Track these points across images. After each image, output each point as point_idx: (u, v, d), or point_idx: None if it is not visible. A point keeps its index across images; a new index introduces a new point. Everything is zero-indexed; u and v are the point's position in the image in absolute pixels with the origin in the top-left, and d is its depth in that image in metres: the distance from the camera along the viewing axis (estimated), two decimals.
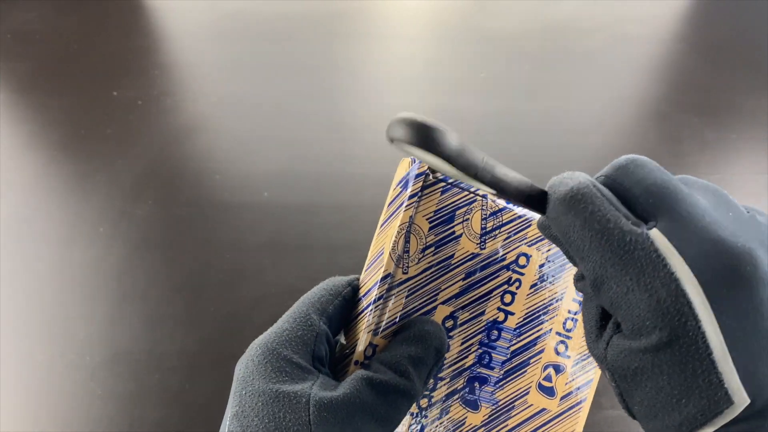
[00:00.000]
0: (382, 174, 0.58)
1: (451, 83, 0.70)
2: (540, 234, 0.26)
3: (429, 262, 0.25)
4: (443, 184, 0.25)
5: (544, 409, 0.27)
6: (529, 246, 0.26)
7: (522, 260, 0.27)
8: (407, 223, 0.24)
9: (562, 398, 0.27)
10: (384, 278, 0.24)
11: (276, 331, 0.22)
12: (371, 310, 0.24)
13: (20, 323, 0.47)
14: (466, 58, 0.74)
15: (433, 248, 0.25)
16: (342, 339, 0.26)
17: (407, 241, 0.25)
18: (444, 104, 0.67)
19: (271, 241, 0.52)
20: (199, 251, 0.51)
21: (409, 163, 0.25)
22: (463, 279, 0.26)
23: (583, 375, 0.28)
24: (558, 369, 0.27)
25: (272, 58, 0.73)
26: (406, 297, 0.25)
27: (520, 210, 0.26)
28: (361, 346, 0.24)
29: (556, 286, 0.27)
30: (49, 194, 0.56)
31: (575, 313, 0.27)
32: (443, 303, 0.25)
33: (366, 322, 0.24)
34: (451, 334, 0.26)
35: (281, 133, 0.63)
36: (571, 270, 0.27)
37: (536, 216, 0.25)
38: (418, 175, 0.24)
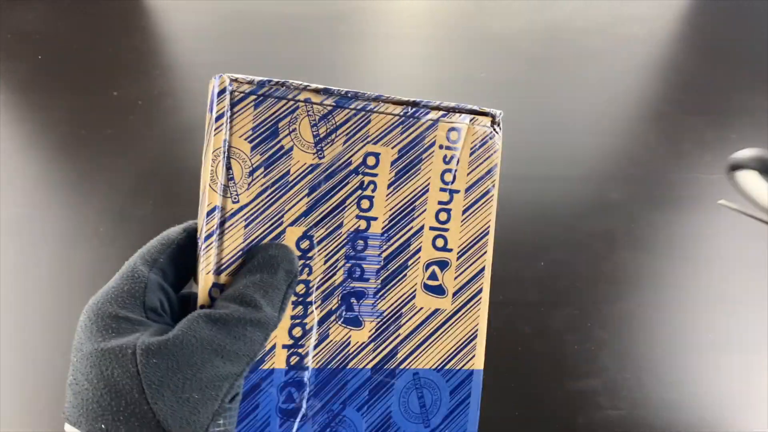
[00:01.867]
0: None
1: (451, 83, 0.70)
2: (384, 128, 0.24)
3: (262, 185, 0.23)
4: (254, 97, 0.23)
5: (437, 310, 0.25)
6: (374, 144, 0.24)
7: (370, 160, 0.24)
8: (221, 148, 0.23)
9: (454, 294, 0.25)
10: (210, 213, 0.22)
11: (103, 290, 0.21)
12: (203, 249, 0.22)
13: (20, 323, 0.47)
14: (466, 58, 0.74)
15: (262, 169, 0.23)
16: (194, 288, 0.24)
17: (228, 168, 0.23)
18: None
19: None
20: None
21: (212, 83, 0.23)
22: (308, 194, 0.24)
23: (472, 265, 0.26)
24: (442, 265, 0.25)
25: (272, 58, 0.73)
26: (245, 227, 0.23)
27: (353, 105, 0.24)
28: (202, 290, 0.22)
29: (417, 179, 0.25)
30: (49, 194, 0.57)
31: (447, 203, 0.25)
32: (292, 225, 0.23)
33: (202, 263, 0.22)
34: (309, 254, 0.24)
35: None
36: (432, 159, 0.25)
37: (375, 108, 0.24)
38: (220, 93, 0.22)
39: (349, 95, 0.24)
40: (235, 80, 0.22)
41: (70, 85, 0.68)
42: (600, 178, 0.58)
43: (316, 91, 0.23)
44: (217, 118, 0.22)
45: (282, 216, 0.23)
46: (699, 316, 0.47)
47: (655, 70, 0.73)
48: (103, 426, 0.18)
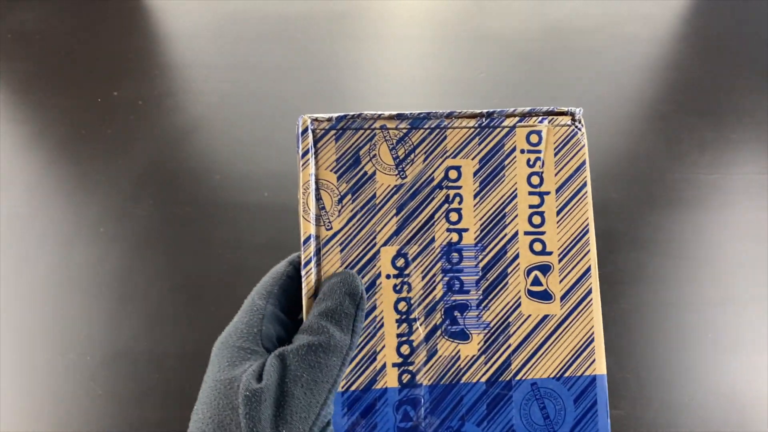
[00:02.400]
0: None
1: (451, 83, 0.70)
2: (461, 141, 0.25)
3: (351, 210, 0.24)
4: (333, 131, 0.24)
5: (546, 316, 0.25)
6: (453, 158, 0.25)
7: (452, 174, 0.25)
8: (309, 182, 0.24)
9: (562, 298, 0.25)
10: (306, 241, 0.24)
11: (229, 325, 0.23)
12: (304, 275, 0.24)
13: (20, 323, 0.47)
14: (465, 58, 0.74)
15: (349, 195, 0.24)
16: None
17: (318, 198, 0.24)
18: (444, 104, 0.67)
19: (271, 241, 0.52)
20: (199, 251, 0.51)
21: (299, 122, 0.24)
22: (396, 214, 0.25)
23: (576, 267, 0.25)
24: (544, 269, 0.25)
25: (272, 58, 0.73)
26: (341, 251, 0.24)
27: (427, 125, 0.25)
28: (305, 314, 0.23)
29: (503, 185, 0.25)
30: (50, 194, 0.57)
31: (539, 206, 0.25)
32: (385, 245, 0.24)
33: (304, 288, 0.24)
34: (406, 272, 0.24)
35: (281, 134, 0.63)
36: (515, 165, 0.25)
37: (449, 124, 0.25)
38: (303, 132, 0.24)
39: (422, 116, 0.25)
40: (315, 119, 0.24)
41: (70, 85, 0.68)
42: (600, 178, 0.58)
43: (390, 117, 0.24)
44: (303, 155, 0.24)
45: (374, 237, 0.24)
46: (699, 316, 0.47)
47: (655, 70, 0.73)
48: None
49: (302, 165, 0.24)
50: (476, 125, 0.25)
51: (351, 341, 0.22)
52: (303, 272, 0.24)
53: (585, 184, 0.25)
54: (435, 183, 0.25)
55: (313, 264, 0.24)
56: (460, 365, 0.24)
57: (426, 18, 0.81)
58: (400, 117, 0.25)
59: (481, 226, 0.25)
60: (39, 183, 0.58)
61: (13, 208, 0.55)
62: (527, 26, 0.79)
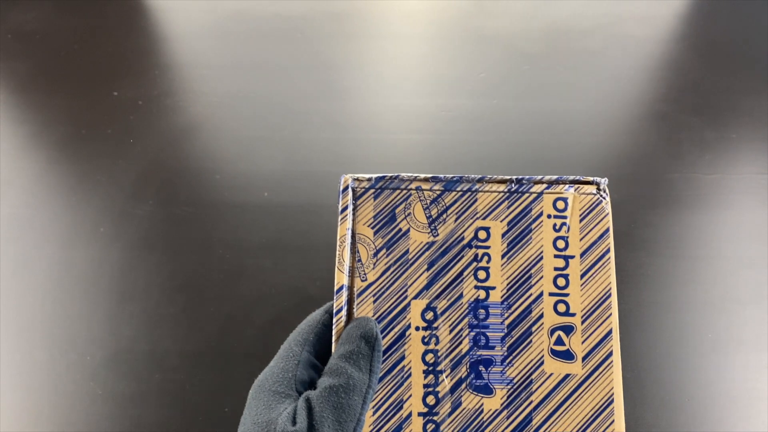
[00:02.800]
0: (382, 174, 0.59)
1: (450, 83, 0.70)
2: (491, 204, 0.26)
3: (385, 264, 0.26)
4: (373, 190, 0.26)
5: (568, 375, 0.26)
6: (483, 219, 0.26)
7: (482, 234, 0.26)
8: (346, 236, 0.26)
9: (584, 359, 0.26)
10: (338, 291, 0.25)
11: (266, 369, 0.25)
12: (335, 323, 0.25)
13: (20, 323, 0.47)
14: (465, 58, 0.74)
15: (384, 250, 0.26)
16: None
17: (355, 251, 0.26)
18: (443, 104, 0.67)
19: (271, 241, 0.52)
20: (199, 251, 0.51)
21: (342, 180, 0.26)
22: (428, 269, 0.26)
23: (598, 329, 0.26)
24: (567, 330, 0.26)
25: (272, 58, 0.73)
26: (374, 302, 0.26)
27: (459, 187, 0.27)
28: None
29: (529, 247, 0.26)
30: (50, 194, 0.57)
31: (563, 269, 0.26)
32: (415, 298, 0.26)
33: (334, 335, 0.25)
34: (435, 325, 0.26)
35: (281, 133, 0.63)
36: (542, 229, 0.26)
37: (480, 188, 0.27)
38: (344, 190, 0.26)
39: (455, 179, 0.27)
40: (356, 179, 0.26)
41: (70, 85, 0.68)
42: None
43: (425, 179, 0.26)
44: (342, 210, 0.26)
45: (406, 290, 0.26)
46: (699, 316, 0.47)
47: (655, 70, 0.73)
48: None
49: (341, 219, 0.26)
50: (506, 190, 0.27)
51: (369, 380, 0.24)
52: (334, 320, 0.25)
53: (608, 250, 0.27)
54: (465, 242, 0.26)
55: (343, 313, 0.25)
56: (483, 419, 0.25)
57: (426, 18, 0.81)
58: (434, 180, 0.26)
59: (507, 285, 0.26)
60: (39, 183, 0.58)
61: (13, 208, 0.55)
62: (527, 26, 0.79)
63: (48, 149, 0.61)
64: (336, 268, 0.26)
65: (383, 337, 0.26)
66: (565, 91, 0.69)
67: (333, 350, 0.25)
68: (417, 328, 0.26)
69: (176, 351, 0.45)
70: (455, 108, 0.66)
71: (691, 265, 0.51)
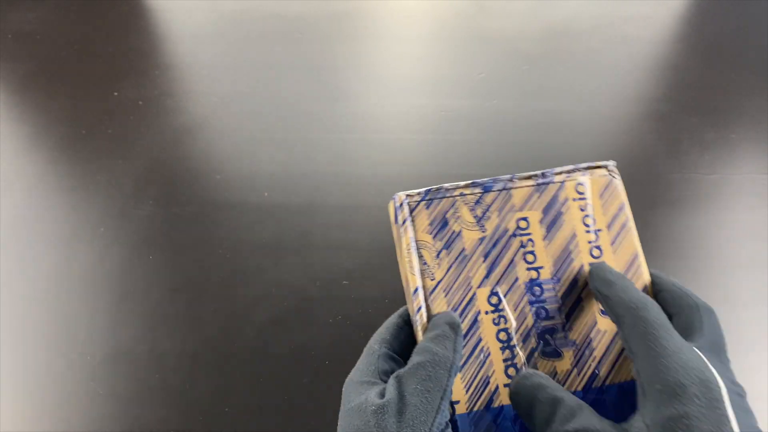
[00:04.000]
0: (382, 174, 0.59)
1: (450, 83, 0.70)
2: (525, 197, 0.31)
3: (448, 262, 0.29)
4: (425, 202, 0.30)
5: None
6: (521, 211, 0.31)
7: (522, 224, 0.30)
8: (410, 244, 0.29)
9: None
10: (415, 292, 0.29)
11: (353, 369, 0.29)
12: (417, 320, 0.29)
13: (21, 323, 0.47)
14: (465, 59, 0.74)
15: (444, 251, 0.29)
16: None
17: (420, 256, 0.29)
18: (443, 104, 0.67)
19: (271, 241, 0.52)
20: (199, 251, 0.51)
21: (392, 203, 0.30)
22: (484, 261, 0.30)
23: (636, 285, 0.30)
24: None
25: (272, 58, 0.73)
26: (445, 296, 0.29)
27: (495, 188, 0.31)
28: None
29: (564, 229, 0.31)
30: (50, 194, 0.57)
31: (595, 241, 0.31)
32: (479, 287, 0.30)
33: (419, 331, 0.28)
34: (500, 307, 0.30)
35: (282, 133, 0.63)
36: (570, 211, 0.31)
37: (512, 186, 0.31)
38: (399, 206, 0.30)
39: (491, 182, 0.31)
40: (408, 195, 0.30)
41: (70, 85, 0.68)
42: None
43: (466, 186, 0.30)
44: (403, 223, 0.30)
45: (470, 282, 0.30)
46: None
47: (655, 70, 0.73)
48: None
49: (403, 231, 0.30)
50: (534, 184, 0.31)
51: (453, 357, 0.26)
52: (416, 317, 0.29)
53: (628, 219, 0.32)
54: (510, 233, 0.30)
55: (423, 309, 0.29)
56: (558, 379, 0.29)
57: (426, 18, 0.81)
58: (474, 185, 0.30)
59: (553, 263, 0.30)
60: (39, 183, 0.58)
61: (13, 208, 0.55)
62: (527, 26, 0.79)
63: (48, 149, 0.61)
64: (408, 274, 0.29)
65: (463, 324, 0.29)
66: (564, 91, 0.69)
67: (419, 340, 0.28)
68: (486, 312, 0.29)
69: (176, 351, 0.45)
70: (455, 108, 0.66)
71: (691, 265, 0.51)
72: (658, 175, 0.59)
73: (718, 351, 0.27)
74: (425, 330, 0.28)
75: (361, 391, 0.26)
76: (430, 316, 0.29)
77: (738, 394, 0.24)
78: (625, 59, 0.74)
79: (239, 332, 0.46)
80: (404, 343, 0.29)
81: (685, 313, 0.29)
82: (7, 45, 0.74)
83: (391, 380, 0.25)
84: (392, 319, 0.30)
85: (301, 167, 0.59)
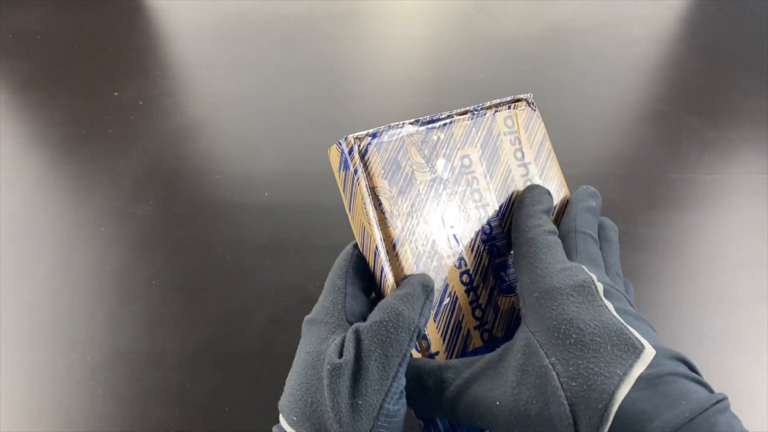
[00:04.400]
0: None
1: (450, 83, 0.70)
2: (464, 133, 0.30)
3: (406, 208, 0.28)
4: (375, 143, 0.27)
5: None
6: (463, 148, 0.30)
7: (466, 162, 0.30)
8: (364, 192, 0.27)
9: None
10: (376, 250, 0.27)
11: (316, 305, 0.27)
12: (380, 278, 0.27)
13: (21, 323, 0.47)
14: (465, 59, 0.74)
15: (401, 196, 0.27)
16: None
17: (379, 204, 0.27)
18: (443, 105, 0.67)
19: (271, 241, 0.52)
20: (199, 251, 0.51)
21: (336, 149, 0.27)
22: (438, 204, 0.29)
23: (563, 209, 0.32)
24: None
25: (272, 58, 0.73)
26: (409, 245, 0.27)
27: (438, 124, 0.29)
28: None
29: (500, 164, 0.31)
30: (50, 194, 0.57)
31: (527, 174, 0.32)
32: (438, 230, 0.28)
33: (387, 287, 0.27)
34: (458, 249, 0.29)
35: (282, 133, 0.63)
36: (503, 146, 0.31)
37: (450, 121, 0.30)
38: (349, 152, 0.27)
39: (432, 119, 0.29)
40: (356, 138, 0.27)
41: (70, 85, 0.68)
42: (600, 178, 0.58)
43: (411, 124, 0.29)
44: (355, 171, 0.27)
45: (429, 226, 0.28)
46: (698, 316, 0.47)
47: (655, 70, 0.73)
48: (294, 417, 0.23)
49: (356, 180, 0.27)
50: (469, 118, 0.30)
51: (418, 321, 0.24)
52: (381, 275, 0.27)
53: (551, 151, 0.32)
54: (457, 171, 0.29)
55: (388, 268, 0.27)
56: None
57: (426, 18, 0.81)
58: (417, 122, 0.29)
59: (496, 199, 0.30)
60: (39, 183, 0.58)
61: (13, 208, 0.55)
62: (527, 26, 0.79)
63: (48, 149, 0.61)
64: (365, 226, 0.27)
65: (430, 271, 0.28)
66: (564, 91, 0.69)
67: (384, 294, 0.27)
68: (448, 257, 0.28)
69: (176, 351, 0.45)
70: (455, 108, 0.66)
71: (691, 265, 0.51)
72: (658, 175, 0.59)
73: (596, 264, 0.28)
74: (392, 287, 0.27)
75: (324, 334, 0.25)
76: (398, 274, 0.27)
77: (616, 289, 0.25)
78: (624, 59, 0.74)
79: (239, 332, 0.46)
80: (366, 276, 0.28)
81: (578, 237, 0.29)
82: (7, 45, 0.74)
83: (350, 335, 0.24)
84: (349, 249, 0.29)
85: (301, 167, 0.59)
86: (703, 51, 0.75)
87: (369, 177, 0.27)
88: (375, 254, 0.27)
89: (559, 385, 0.21)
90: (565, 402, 0.21)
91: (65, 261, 0.51)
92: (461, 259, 0.29)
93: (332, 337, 0.24)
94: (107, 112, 0.65)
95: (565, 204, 0.32)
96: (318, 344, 0.24)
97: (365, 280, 0.28)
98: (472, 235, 0.29)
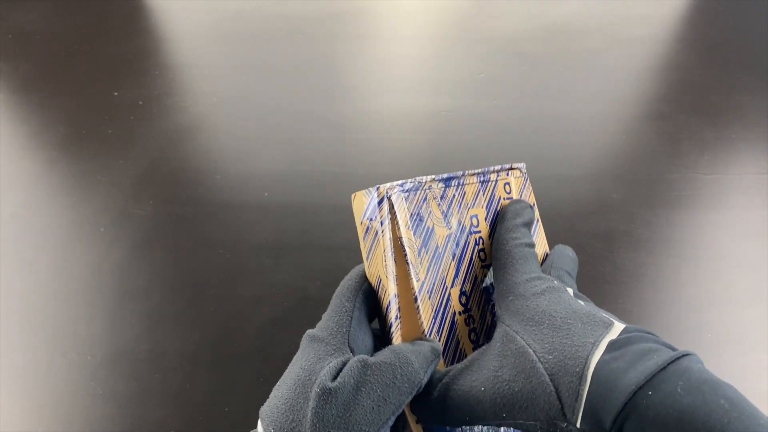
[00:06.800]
0: (382, 174, 0.58)
1: (450, 83, 0.70)
2: (474, 193, 0.31)
3: (428, 260, 0.28)
4: (404, 194, 0.28)
5: None
6: (472, 207, 0.31)
7: (474, 221, 0.31)
8: (387, 245, 0.27)
9: None
10: (389, 303, 0.27)
11: (320, 321, 0.26)
12: (393, 329, 0.27)
13: (21, 323, 0.47)
14: (465, 59, 0.74)
15: (424, 249, 0.28)
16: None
17: (404, 255, 0.27)
18: (443, 104, 0.67)
19: (271, 241, 0.52)
20: (199, 251, 0.51)
21: (364, 196, 0.27)
22: (452, 259, 0.29)
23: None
24: None
25: (272, 58, 0.73)
26: (429, 298, 0.28)
27: (453, 182, 0.30)
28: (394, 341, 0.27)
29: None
30: (50, 194, 0.57)
31: None
32: (452, 287, 0.29)
33: (398, 338, 0.27)
34: (469, 306, 0.29)
35: (281, 133, 0.63)
36: (501, 200, 0.32)
37: (464, 181, 0.31)
38: (379, 202, 0.27)
39: (450, 177, 0.30)
40: (388, 188, 0.27)
41: (70, 85, 0.68)
42: (600, 178, 0.58)
43: (433, 180, 0.29)
44: (381, 222, 0.27)
45: (444, 282, 0.29)
46: (699, 316, 0.47)
47: (655, 70, 0.73)
48: (272, 430, 0.22)
49: (381, 232, 0.27)
50: (478, 180, 0.31)
51: (422, 379, 0.24)
52: (393, 325, 0.27)
53: (539, 218, 0.34)
54: (468, 230, 0.30)
55: (400, 321, 0.27)
56: None
57: (426, 18, 0.81)
58: (438, 179, 0.30)
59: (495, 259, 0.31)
60: (39, 183, 0.58)
61: (13, 208, 0.55)
62: (527, 26, 0.79)
63: (48, 149, 0.61)
64: (382, 278, 0.27)
65: (444, 328, 0.28)
66: (565, 91, 0.69)
67: (395, 342, 0.27)
68: (460, 313, 0.29)
69: (176, 351, 0.45)
70: (455, 108, 0.66)
71: (691, 265, 0.51)
72: (658, 175, 0.59)
73: (568, 284, 0.29)
74: (403, 338, 0.27)
75: (322, 353, 0.24)
76: (415, 326, 0.27)
77: (587, 299, 0.27)
78: (625, 59, 0.74)
79: (239, 332, 0.46)
80: (374, 305, 0.28)
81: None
82: (7, 45, 0.74)
83: (355, 363, 0.23)
84: (359, 272, 0.28)
85: (301, 167, 0.59)
86: (704, 51, 0.75)
87: (397, 228, 0.27)
88: (387, 308, 0.27)
89: (537, 359, 0.22)
90: (545, 373, 0.21)
91: (65, 261, 0.51)
92: (470, 316, 0.29)
93: (329, 359, 0.24)
94: (107, 112, 0.65)
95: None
96: (314, 362, 0.24)
97: (372, 309, 0.28)
98: (479, 293, 0.30)
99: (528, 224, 0.30)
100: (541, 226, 0.34)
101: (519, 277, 0.26)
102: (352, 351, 0.25)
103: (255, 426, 0.24)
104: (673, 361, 0.20)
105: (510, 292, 0.26)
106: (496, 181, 0.32)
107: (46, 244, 0.52)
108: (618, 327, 0.22)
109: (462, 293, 0.29)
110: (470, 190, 0.31)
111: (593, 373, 0.20)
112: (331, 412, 0.22)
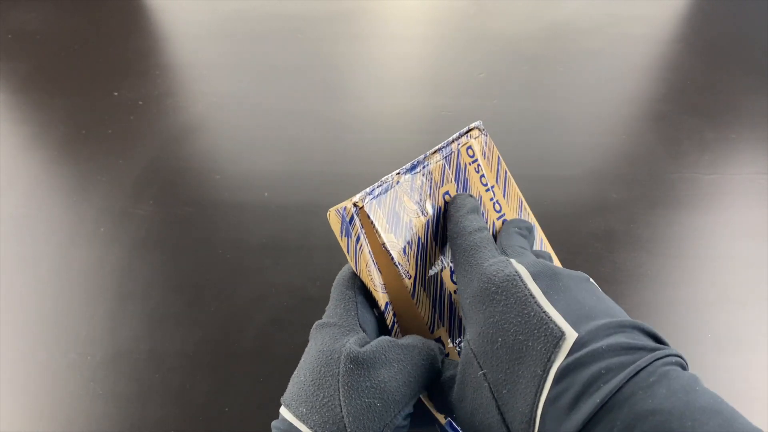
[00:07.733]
0: (382, 174, 0.58)
1: (450, 83, 0.70)
2: (440, 172, 0.31)
3: (414, 255, 0.28)
4: (374, 202, 0.28)
5: None
6: (442, 186, 0.31)
7: (447, 198, 0.31)
8: (369, 260, 0.27)
9: None
10: (385, 308, 0.28)
11: (326, 312, 0.27)
12: (396, 330, 0.28)
13: (21, 323, 0.47)
14: (465, 59, 0.74)
15: (407, 246, 0.28)
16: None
17: (391, 258, 0.28)
18: (443, 104, 0.67)
19: (271, 241, 0.52)
20: (199, 251, 0.51)
21: (336, 215, 0.27)
22: (436, 243, 0.30)
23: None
24: None
25: (272, 58, 0.73)
26: (425, 290, 0.28)
27: (417, 169, 0.30)
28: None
29: (473, 192, 0.32)
30: (50, 194, 0.57)
31: (493, 198, 0.33)
32: (442, 270, 0.30)
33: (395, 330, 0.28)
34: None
35: (281, 133, 0.63)
36: (471, 175, 0.32)
37: (428, 163, 0.30)
38: (350, 221, 0.27)
39: (413, 165, 0.30)
40: (355, 203, 0.27)
41: (70, 85, 0.68)
42: (600, 178, 0.58)
43: (398, 174, 0.29)
44: (357, 240, 0.27)
45: (435, 268, 0.29)
46: (699, 316, 0.47)
47: (655, 70, 0.73)
48: (303, 410, 0.23)
49: (359, 249, 0.27)
50: (442, 157, 0.31)
51: (440, 367, 0.26)
52: (393, 333, 0.28)
53: (506, 170, 0.34)
54: (443, 209, 0.30)
55: (397, 326, 0.28)
56: None
57: (426, 18, 0.81)
58: (404, 171, 0.30)
59: None
60: (39, 183, 0.58)
61: (13, 208, 0.55)
62: (527, 26, 0.79)
63: (48, 149, 0.61)
64: (371, 289, 0.27)
65: (444, 312, 0.29)
66: (565, 91, 0.69)
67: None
68: (455, 292, 0.29)
69: (176, 351, 0.45)
70: (455, 108, 0.66)
71: (691, 265, 0.51)
72: (658, 175, 0.59)
73: (522, 251, 0.28)
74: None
75: (336, 335, 0.25)
76: (420, 320, 0.28)
77: (541, 256, 0.27)
78: (624, 59, 0.74)
79: (239, 332, 0.46)
80: (371, 298, 0.28)
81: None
82: (7, 45, 0.74)
83: (385, 340, 0.24)
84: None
85: (301, 167, 0.59)
86: (704, 51, 0.75)
87: (378, 234, 0.27)
88: (384, 314, 0.28)
89: (491, 396, 0.22)
90: (498, 413, 0.21)
91: (65, 261, 0.51)
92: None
93: (346, 338, 0.24)
94: (107, 112, 0.65)
95: (532, 219, 0.35)
96: (331, 343, 0.24)
97: (370, 297, 0.28)
98: None
99: (473, 209, 0.30)
100: (512, 178, 0.34)
101: (473, 272, 0.26)
102: (364, 331, 0.26)
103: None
104: (617, 392, 0.19)
105: (467, 293, 0.25)
106: (458, 150, 0.32)
107: (46, 244, 0.52)
108: (569, 338, 0.21)
109: (452, 272, 0.30)
110: (436, 170, 0.30)
111: (540, 416, 0.20)
112: (364, 383, 0.22)
